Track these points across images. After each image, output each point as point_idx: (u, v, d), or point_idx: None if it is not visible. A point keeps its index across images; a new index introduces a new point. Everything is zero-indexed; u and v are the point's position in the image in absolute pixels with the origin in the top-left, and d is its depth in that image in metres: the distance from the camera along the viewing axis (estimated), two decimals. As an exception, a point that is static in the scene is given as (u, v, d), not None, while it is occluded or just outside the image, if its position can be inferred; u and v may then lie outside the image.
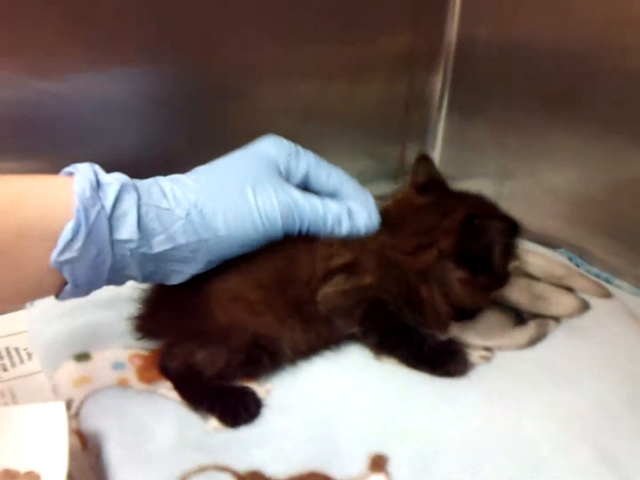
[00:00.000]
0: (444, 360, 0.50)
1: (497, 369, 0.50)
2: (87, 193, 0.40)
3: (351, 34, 0.76)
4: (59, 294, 0.43)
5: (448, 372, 0.49)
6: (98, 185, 0.42)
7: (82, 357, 0.52)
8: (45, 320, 0.56)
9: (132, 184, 0.44)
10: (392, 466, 0.42)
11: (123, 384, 0.49)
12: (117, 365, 0.51)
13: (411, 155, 0.90)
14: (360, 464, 0.42)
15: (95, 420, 0.45)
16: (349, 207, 0.52)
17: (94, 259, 0.41)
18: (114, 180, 0.43)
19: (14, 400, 0.51)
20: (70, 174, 0.42)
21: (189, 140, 0.70)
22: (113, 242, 0.42)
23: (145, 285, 0.53)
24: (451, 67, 0.85)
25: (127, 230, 0.42)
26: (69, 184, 0.41)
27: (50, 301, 0.58)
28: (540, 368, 0.50)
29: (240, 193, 0.47)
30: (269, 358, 0.49)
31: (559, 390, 0.47)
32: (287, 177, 0.52)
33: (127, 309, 0.54)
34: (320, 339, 0.51)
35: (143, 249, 0.43)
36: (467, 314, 0.55)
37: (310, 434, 0.45)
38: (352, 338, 0.53)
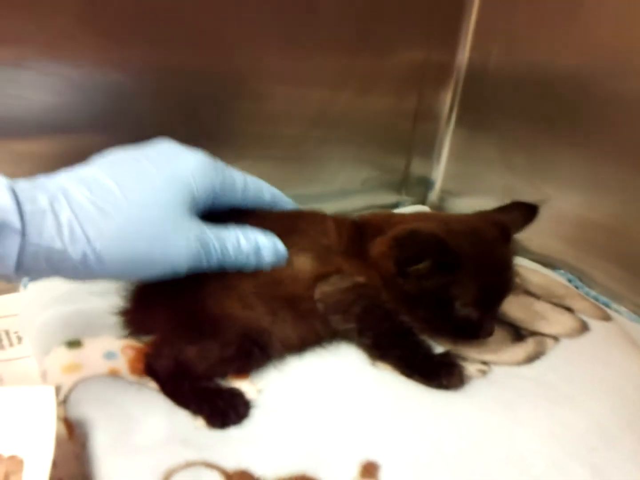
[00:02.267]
0: (438, 371, 0.49)
1: (494, 383, 0.50)
2: None
3: (364, 46, 0.77)
4: None
5: (441, 384, 0.49)
6: None
7: (74, 344, 0.51)
8: (38, 304, 0.55)
9: (18, 215, 0.36)
10: (384, 474, 0.41)
11: (114, 374, 0.48)
12: (109, 355, 0.50)
13: (416, 168, 0.90)
14: (351, 470, 0.42)
15: (84, 408, 0.44)
16: (257, 243, 0.48)
17: None
18: None
19: (1, 383, 0.50)
20: None
21: (193, 137, 0.70)
22: None
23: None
24: (461, 84, 0.85)
25: (3, 269, 0.36)
26: None
27: (44, 285, 0.58)
28: (537, 385, 0.49)
29: (150, 239, 0.41)
30: (260, 351, 0.49)
31: (556, 409, 0.47)
32: (197, 198, 0.45)
33: (121, 301, 0.53)
34: (313, 333, 0.51)
35: (22, 280, 0.41)
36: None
37: (301, 437, 0.44)
38: (346, 337, 0.52)
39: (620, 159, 0.64)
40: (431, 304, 0.51)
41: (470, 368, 0.51)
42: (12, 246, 0.36)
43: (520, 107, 0.76)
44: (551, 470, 0.42)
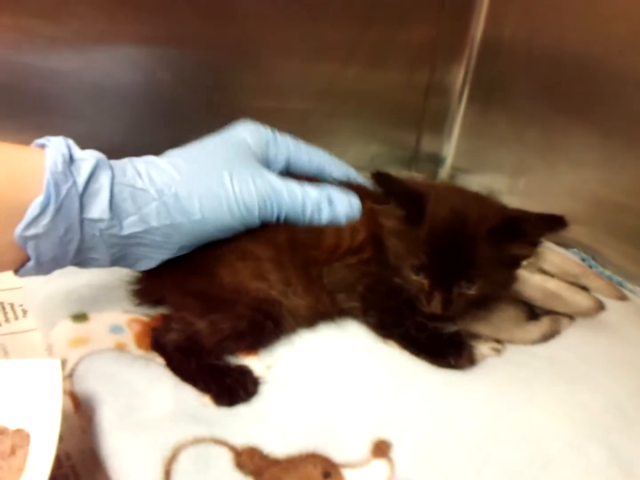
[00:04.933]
0: (446, 351, 0.48)
1: (508, 362, 0.49)
2: (59, 167, 0.38)
3: (375, 18, 0.75)
4: (18, 270, 0.41)
5: (448, 363, 0.48)
6: (71, 160, 0.40)
7: (80, 317, 0.50)
8: (43, 277, 0.54)
9: (107, 161, 0.42)
10: (396, 453, 0.41)
11: (120, 348, 0.48)
12: (115, 329, 0.50)
13: (427, 144, 0.89)
14: (363, 448, 0.41)
15: (90, 382, 0.44)
16: (330, 195, 0.50)
17: (61, 236, 0.39)
18: (88, 157, 0.40)
19: (7, 356, 0.50)
20: (42, 146, 0.40)
21: (198, 110, 0.69)
22: (83, 220, 0.40)
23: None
24: (474, 59, 0.83)
25: (98, 208, 0.40)
26: (41, 156, 0.39)
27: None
28: (552, 364, 0.49)
29: (217, 178, 0.45)
30: (273, 324, 0.48)
31: (571, 388, 0.46)
32: (266, 164, 0.50)
33: (129, 273, 0.52)
34: (322, 304, 0.50)
35: (113, 230, 0.41)
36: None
37: (311, 414, 0.43)
38: (352, 315, 0.52)
39: (635, 135, 0.63)
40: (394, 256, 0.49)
41: (485, 347, 0.50)
42: (105, 180, 0.41)
43: (534, 82, 0.74)
44: (567, 451, 0.41)
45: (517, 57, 0.76)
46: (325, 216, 0.50)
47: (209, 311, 0.47)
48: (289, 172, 0.53)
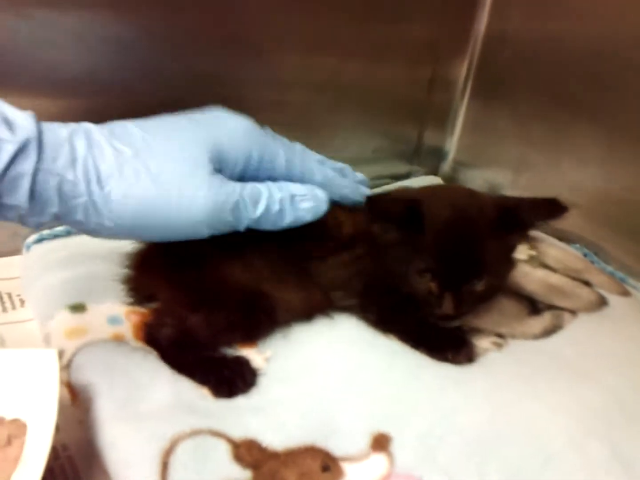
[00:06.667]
0: (445, 345, 0.48)
1: (509, 357, 0.49)
2: None
3: (378, 12, 0.74)
4: None
5: (447, 358, 0.48)
6: None
7: (78, 308, 0.50)
8: (41, 267, 0.54)
9: (39, 138, 0.36)
10: (396, 447, 0.40)
11: (118, 340, 0.47)
12: (113, 320, 0.49)
13: (429, 138, 0.88)
14: (362, 441, 0.41)
15: (87, 373, 0.43)
16: (291, 191, 0.44)
17: None
18: (12, 138, 0.35)
19: (4, 346, 0.49)
20: None
21: (200, 101, 0.68)
22: (1, 204, 0.36)
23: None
24: (478, 54, 0.82)
25: (16, 197, 0.35)
26: None
27: (47, 248, 0.56)
28: (554, 360, 0.48)
29: (165, 188, 0.38)
30: (267, 317, 0.47)
31: (573, 384, 0.46)
32: (230, 160, 0.42)
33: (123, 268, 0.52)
34: (315, 299, 0.50)
35: (34, 218, 0.37)
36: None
37: (310, 407, 0.43)
38: (349, 311, 0.51)
39: (639, 131, 0.62)
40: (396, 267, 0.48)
41: (486, 341, 0.50)
42: (28, 165, 0.35)
43: (537, 77, 0.74)
44: (568, 447, 0.41)
45: (521, 52, 0.75)
46: (289, 218, 0.44)
47: (202, 305, 0.46)
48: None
